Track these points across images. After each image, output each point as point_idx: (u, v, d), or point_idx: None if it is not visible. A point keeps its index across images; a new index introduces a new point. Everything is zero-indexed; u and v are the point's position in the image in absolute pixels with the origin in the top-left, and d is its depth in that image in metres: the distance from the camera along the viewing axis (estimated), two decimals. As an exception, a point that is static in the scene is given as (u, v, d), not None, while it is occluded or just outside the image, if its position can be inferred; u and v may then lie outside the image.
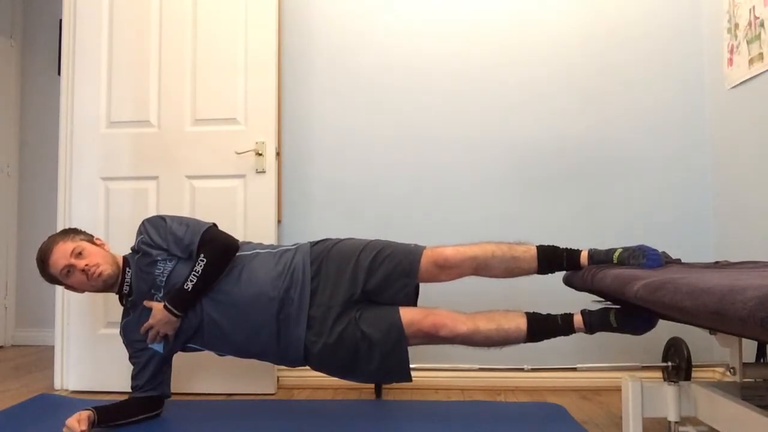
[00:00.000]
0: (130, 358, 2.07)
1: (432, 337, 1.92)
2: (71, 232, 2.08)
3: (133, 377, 2.04)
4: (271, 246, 2.16)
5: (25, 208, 3.77)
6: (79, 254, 1.98)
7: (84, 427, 1.81)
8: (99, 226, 2.51)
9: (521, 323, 1.90)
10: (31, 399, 2.35)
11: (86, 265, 1.96)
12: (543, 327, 1.91)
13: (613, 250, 1.88)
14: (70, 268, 1.97)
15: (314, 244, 2.09)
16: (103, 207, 2.56)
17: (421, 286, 2.07)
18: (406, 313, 1.91)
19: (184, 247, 2.02)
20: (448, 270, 1.97)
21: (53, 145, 2.73)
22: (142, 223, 2.11)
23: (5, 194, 3.71)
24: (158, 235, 2.05)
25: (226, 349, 2.06)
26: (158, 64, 2.59)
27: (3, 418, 2.11)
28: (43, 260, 2.00)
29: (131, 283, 2.05)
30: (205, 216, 2.49)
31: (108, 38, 2.62)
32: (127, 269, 2.06)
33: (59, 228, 2.57)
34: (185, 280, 1.95)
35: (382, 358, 1.89)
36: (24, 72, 3.82)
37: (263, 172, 2.50)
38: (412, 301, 2.01)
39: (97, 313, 2.53)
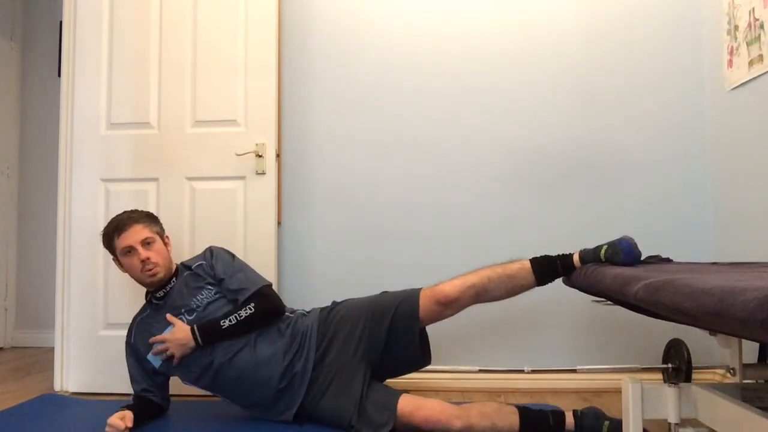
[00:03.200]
0: (127, 358, 2.08)
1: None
2: (153, 219, 2.14)
3: (131, 380, 2.07)
4: (290, 309, 2.15)
5: (25, 210, 3.77)
6: (148, 244, 2.04)
7: (129, 423, 1.82)
8: (99, 227, 2.48)
9: (514, 422, 1.79)
10: (33, 399, 2.35)
11: (148, 257, 2.02)
12: (534, 427, 1.80)
13: (600, 248, 1.88)
14: (132, 251, 2.02)
15: (322, 310, 2.10)
16: (103, 208, 2.56)
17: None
18: (402, 401, 1.84)
19: (238, 289, 2.05)
20: (450, 305, 1.94)
21: (53, 146, 2.73)
22: (209, 249, 2.17)
23: (5, 196, 3.71)
24: (221, 267, 2.10)
25: (220, 395, 2.07)
26: (158, 66, 2.59)
27: (6, 417, 2.11)
28: (116, 229, 2.05)
29: (169, 291, 2.08)
30: (206, 218, 2.51)
31: (108, 40, 2.62)
32: (174, 279, 2.10)
33: (59, 230, 2.58)
34: (223, 317, 1.98)
35: None
36: (24, 74, 3.83)
37: (263, 173, 2.50)
38: (420, 347, 1.98)
39: (97, 315, 2.53)
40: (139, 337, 2.07)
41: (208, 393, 2.10)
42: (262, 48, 2.54)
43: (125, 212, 2.12)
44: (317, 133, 2.72)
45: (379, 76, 2.71)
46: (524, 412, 1.82)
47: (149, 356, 2.02)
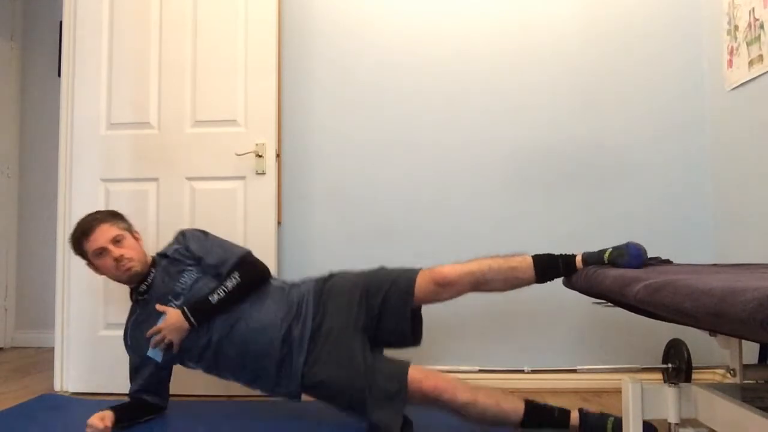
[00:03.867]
0: (130, 361, 2.08)
1: (430, 400, 1.83)
2: (118, 217, 2.11)
3: (131, 380, 2.06)
4: (281, 281, 2.15)
5: (25, 210, 3.77)
6: (118, 242, 2.02)
7: (108, 423, 1.83)
8: (99, 227, 2.51)
9: (519, 407, 1.82)
10: (33, 399, 2.35)
11: (121, 255, 2.00)
12: (539, 416, 1.82)
13: (604, 251, 1.88)
14: (104, 251, 2.00)
15: (318, 279, 2.10)
16: (103, 209, 2.55)
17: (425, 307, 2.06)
18: (412, 370, 1.85)
19: (218, 262, 2.04)
20: (447, 287, 1.95)
21: (53, 146, 2.73)
22: (181, 232, 2.15)
23: (5, 196, 3.71)
24: (197, 246, 2.09)
25: (226, 374, 2.06)
26: (158, 66, 2.59)
27: (6, 417, 2.11)
28: (83, 233, 2.02)
29: (152, 284, 2.07)
30: (206, 217, 2.51)
31: (108, 40, 2.62)
32: (153, 270, 2.08)
33: (59, 230, 2.58)
34: (210, 293, 1.97)
35: (375, 408, 1.82)
36: (24, 74, 3.83)
37: (263, 173, 2.50)
38: (410, 325, 1.98)
39: (97, 315, 2.53)
40: (135, 338, 2.06)
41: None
42: (262, 48, 2.54)
43: (89, 215, 2.09)
44: (317, 133, 2.72)
45: (379, 76, 2.71)
46: (531, 402, 1.84)
47: (150, 352, 2.01)
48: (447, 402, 1.81)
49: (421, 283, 1.95)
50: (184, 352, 2.01)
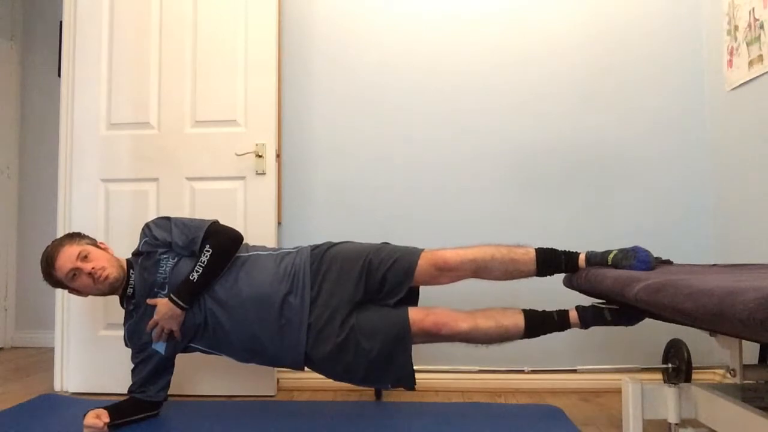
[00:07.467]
0: (132, 358, 2.08)
1: (433, 336, 1.95)
2: (76, 236, 2.09)
3: (132, 374, 2.06)
4: (272, 249, 2.16)
5: (25, 211, 3.77)
6: (85, 257, 2.00)
7: (106, 419, 1.85)
8: (99, 228, 2.51)
9: (519, 320, 1.95)
10: (33, 399, 2.35)
11: (93, 268, 1.98)
12: (540, 323, 1.97)
13: (609, 252, 1.89)
14: (76, 272, 1.98)
15: (314, 248, 2.09)
16: (103, 209, 2.56)
17: (421, 288, 2.09)
18: (411, 311, 1.94)
19: (188, 241, 2.04)
20: (447, 273, 1.98)
21: (53, 147, 2.73)
22: (146, 224, 2.13)
23: (5, 196, 3.71)
24: (162, 232, 2.07)
25: (227, 350, 2.06)
26: (158, 66, 2.59)
27: (6, 417, 2.11)
28: (48, 263, 2.01)
29: (135, 285, 2.06)
30: (206, 217, 2.50)
31: (108, 40, 2.62)
32: (131, 271, 2.08)
33: (59, 230, 2.58)
34: (191, 272, 1.97)
35: (386, 362, 1.91)
36: (24, 74, 3.82)
37: (263, 173, 2.50)
38: (410, 303, 2.02)
39: (97, 315, 2.53)
40: (136, 338, 2.07)
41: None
42: (262, 48, 2.54)
43: (48, 246, 2.07)
44: (318, 133, 2.72)
45: (379, 76, 2.71)
46: (529, 311, 1.96)
47: (154, 346, 2.02)
48: (449, 334, 1.93)
49: (422, 265, 1.98)
50: (184, 335, 2.02)
